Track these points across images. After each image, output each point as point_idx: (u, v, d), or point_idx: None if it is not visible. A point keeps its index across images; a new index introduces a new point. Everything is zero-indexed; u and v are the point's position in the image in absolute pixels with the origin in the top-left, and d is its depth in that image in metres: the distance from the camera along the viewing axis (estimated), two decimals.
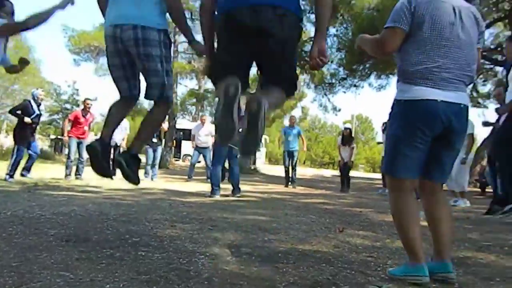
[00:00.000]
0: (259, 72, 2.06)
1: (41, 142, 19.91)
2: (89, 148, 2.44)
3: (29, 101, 7.14)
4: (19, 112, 6.95)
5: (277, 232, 3.11)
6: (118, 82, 2.44)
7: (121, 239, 2.53)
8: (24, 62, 3.77)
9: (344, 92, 16.18)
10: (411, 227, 1.96)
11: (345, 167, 9.41)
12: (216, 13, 1.98)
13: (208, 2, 2.05)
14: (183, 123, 23.35)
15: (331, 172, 28.57)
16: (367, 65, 14.21)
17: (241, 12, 1.79)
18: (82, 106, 8.23)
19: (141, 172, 9.69)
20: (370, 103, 73.82)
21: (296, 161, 9.90)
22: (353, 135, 10.11)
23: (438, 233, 2.02)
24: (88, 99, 8.12)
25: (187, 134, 24.72)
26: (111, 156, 7.15)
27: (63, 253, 2.18)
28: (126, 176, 2.44)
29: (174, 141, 20.61)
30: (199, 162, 10.39)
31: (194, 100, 24.21)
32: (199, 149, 9.58)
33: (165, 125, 10.46)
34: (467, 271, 2.22)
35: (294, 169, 9.86)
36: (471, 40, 1.96)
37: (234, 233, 3.01)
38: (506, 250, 2.87)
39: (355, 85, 15.80)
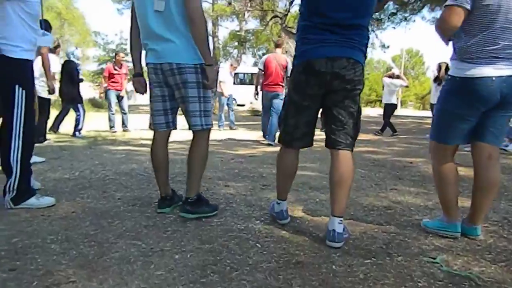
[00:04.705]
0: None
1: (92, 91, 20.81)
2: (161, 212, 2.54)
3: (73, 62, 7.07)
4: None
5: (328, 191, 3.17)
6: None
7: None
8: None
9: (394, 27, 15.25)
10: (451, 189, 2.17)
11: (388, 109, 9.21)
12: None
13: None
14: (225, 66, 23.22)
15: (378, 111, 27.81)
16: None
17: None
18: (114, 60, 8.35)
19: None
20: (421, 36, 68.89)
21: None
22: (401, 73, 9.67)
23: (480, 198, 2.12)
24: (120, 52, 8.31)
25: None
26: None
27: (132, 220, 2.39)
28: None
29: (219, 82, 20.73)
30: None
31: (236, 43, 23.84)
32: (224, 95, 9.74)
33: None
34: None
35: None
36: None
37: None
38: None
39: (405, 19, 14.78)
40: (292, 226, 2.37)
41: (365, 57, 2.10)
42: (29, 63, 2.60)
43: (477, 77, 1.93)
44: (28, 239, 2.05)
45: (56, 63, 6.40)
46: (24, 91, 2.54)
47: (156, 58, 2.36)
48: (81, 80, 7.10)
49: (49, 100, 6.06)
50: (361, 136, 8.75)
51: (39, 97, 5.83)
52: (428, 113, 17.14)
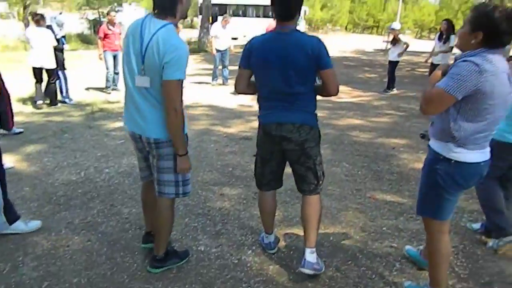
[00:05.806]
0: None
1: (80, 25, 20.08)
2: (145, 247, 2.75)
3: (51, 27, 6.79)
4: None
5: None
6: None
7: (182, 229, 3.08)
8: None
9: None
10: (446, 265, 2.25)
11: (391, 66, 9.30)
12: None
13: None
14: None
15: (374, 43, 27.33)
16: None
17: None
18: (107, 20, 8.14)
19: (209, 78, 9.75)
20: None
21: None
22: (400, 35, 9.48)
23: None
24: (112, 11, 8.08)
25: (223, 10, 23.74)
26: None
27: (141, 253, 2.77)
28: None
29: (211, 17, 20.01)
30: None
31: None
32: (219, 52, 9.28)
33: None
34: None
35: None
36: None
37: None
38: None
39: None
40: (279, 257, 2.77)
41: (315, 115, 2.43)
42: None
43: (470, 163, 2.01)
44: (57, 283, 2.44)
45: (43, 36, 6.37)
46: None
47: (137, 129, 2.34)
48: (62, 48, 6.95)
49: (54, 69, 6.69)
50: (353, 94, 9.02)
51: (46, 69, 6.54)
52: (425, 44, 16.27)
